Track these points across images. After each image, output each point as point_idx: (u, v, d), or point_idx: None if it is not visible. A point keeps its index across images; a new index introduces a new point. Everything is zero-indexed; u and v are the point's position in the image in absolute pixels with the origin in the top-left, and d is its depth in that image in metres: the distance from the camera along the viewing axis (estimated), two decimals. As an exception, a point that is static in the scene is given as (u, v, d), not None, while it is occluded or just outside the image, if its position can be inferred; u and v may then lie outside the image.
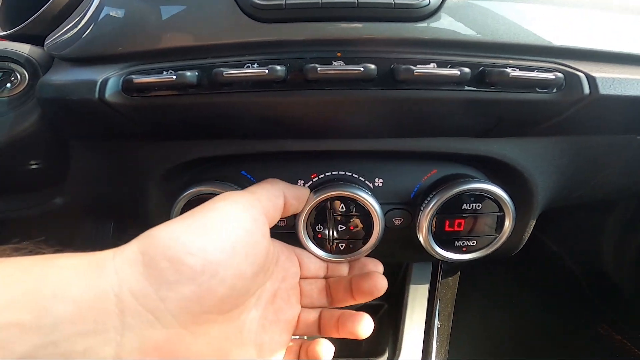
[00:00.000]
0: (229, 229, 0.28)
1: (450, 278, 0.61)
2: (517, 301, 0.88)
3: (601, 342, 0.80)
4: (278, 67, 0.32)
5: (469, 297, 0.70)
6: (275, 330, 0.37)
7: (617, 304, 0.83)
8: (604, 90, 0.35)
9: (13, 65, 0.44)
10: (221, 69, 0.33)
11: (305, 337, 0.40)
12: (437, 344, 0.56)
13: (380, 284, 0.38)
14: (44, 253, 0.26)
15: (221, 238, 0.28)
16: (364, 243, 0.43)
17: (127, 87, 0.35)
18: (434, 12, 0.34)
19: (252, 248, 0.30)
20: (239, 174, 0.45)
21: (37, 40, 0.45)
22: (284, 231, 0.43)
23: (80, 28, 0.38)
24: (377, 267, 0.42)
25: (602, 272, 0.84)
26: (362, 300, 0.39)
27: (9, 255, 0.27)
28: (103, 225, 0.71)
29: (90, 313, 0.23)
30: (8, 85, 0.45)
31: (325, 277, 0.43)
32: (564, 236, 0.89)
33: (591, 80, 0.35)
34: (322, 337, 0.39)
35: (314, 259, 0.43)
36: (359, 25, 0.34)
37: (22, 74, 0.44)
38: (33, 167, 0.48)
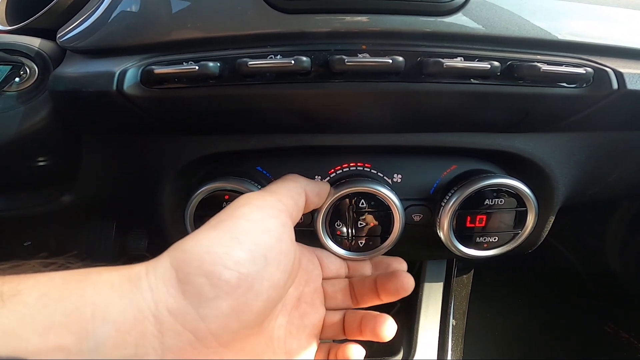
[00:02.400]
0: (260, 238, 0.27)
1: (464, 276, 0.61)
2: (524, 301, 0.88)
3: (608, 340, 0.80)
4: (304, 58, 0.32)
5: (476, 296, 0.69)
6: (302, 336, 0.36)
7: (623, 302, 0.83)
8: (631, 85, 0.35)
9: (23, 59, 0.43)
10: (245, 59, 0.32)
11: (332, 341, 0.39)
12: (452, 343, 0.55)
13: (407, 284, 0.37)
14: (73, 268, 0.25)
15: (252, 249, 0.26)
16: (383, 240, 0.42)
17: (147, 78, 0.34)
18: (460, 7, 0.34)
19: (284, 256, 0.28)
20: (254, 169, 0.45)
21: (45, 34, 0.44)
22: (299, 229, 0.43)
23: (96, 20, 0.37)
24: (402, 265, 0.41)
25: (608, 271, 0.84)
26: (388, 299, 0.38)
27: (37, 271, 0.25)
28: (106, 225, 0.70)
29: (130, 336, 0.22)
30: (17, 79, 0.43)
31: (347, 277, 0.42)
32: (570, 236, 0.89)
33: (619, 75, 0.35)
34: (349, 340, 0.37)
35: (334, 258, 0.42)
36: (384, 18, 0.34)
37: (31, 68, 0.43)
38: (41, 163, 0.46)
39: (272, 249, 0.27)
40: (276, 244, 0.28)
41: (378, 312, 0.37)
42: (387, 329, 0.36)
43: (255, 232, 0.27)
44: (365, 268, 0.42)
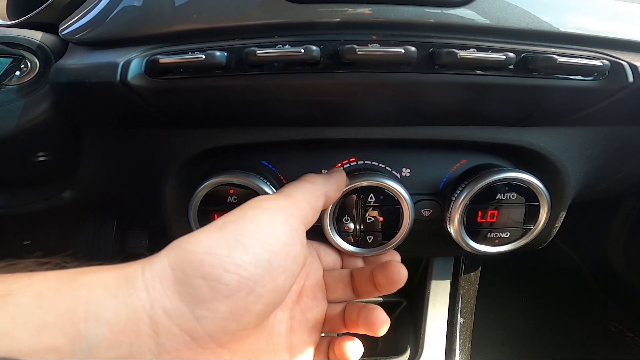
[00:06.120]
0: (266, 242, 0.26)
1: (472, 273, 0.60)
2: (529, 300, 0.87)
3: (613, 339, 0.80)
4: (313, 48, 0.31)
5: (483, 295, 0.69)
6: (304, 330, 0.35)
7: (626, 301, 0.83)
8: None
9: (24, 52, 0.42)
10: (253, 48, 0.31)
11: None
12: (460, 342, 0.54)
13: (399, 274, 0.35)
14: (69, 267, 0.25)
15: (257, 252, 0.25)
16: (392, 236, 0.41)
17: (152, 68, 0.33)
18: None
19: (291, 261, 0.27)
20: (259, 163, 0.44)
21: (47, 28, 0.43)
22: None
23: (100, 11, 0.37)
24: (394, 256, 0.41)
25: (611, 271, 0.84)
26: (384, 292, 0.37)
27: (32, 270, 0.25)
28: (106, 224, 0.69)
29: (124, 336, 0.22)
30: (17, 73, 0.43)
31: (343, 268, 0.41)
32: (574, 235, 0.89)
33: (634, 68, 0.34)
34: (349, 334, 0.36)
35: (330, 250, 0.41)
36: (395, 8, 0.33)
37: (32, 62, 0.42)
38: (41, 159, 0.46)
39: (278, 254, 0.26)
40: (283, 248, 0.27)
41: (374, 305, 0.36)
42: (380, 324, 0.34)
43: (262, 235, 0.26)
44: (358, 261, 0.41)
